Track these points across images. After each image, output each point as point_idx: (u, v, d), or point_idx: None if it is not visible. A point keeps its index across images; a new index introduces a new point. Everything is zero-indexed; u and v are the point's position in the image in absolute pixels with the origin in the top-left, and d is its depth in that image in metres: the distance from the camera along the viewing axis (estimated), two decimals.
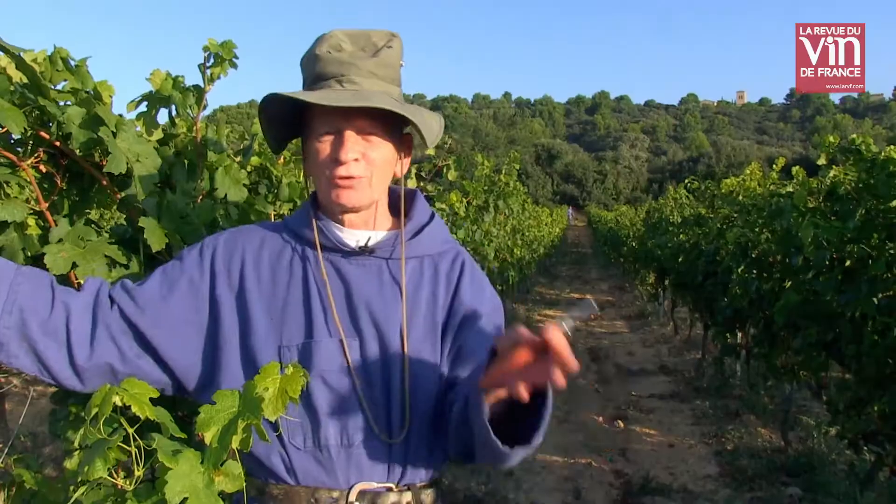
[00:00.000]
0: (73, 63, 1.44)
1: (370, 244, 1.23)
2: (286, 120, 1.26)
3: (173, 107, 1.63)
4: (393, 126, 1.22)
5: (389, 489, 1.18)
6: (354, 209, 1.22)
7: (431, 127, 1.22)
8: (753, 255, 5.00)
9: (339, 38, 1.19)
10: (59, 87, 1.42)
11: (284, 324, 1.19)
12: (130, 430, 0.71)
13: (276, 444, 1.16)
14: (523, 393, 0.97)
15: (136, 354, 1.16)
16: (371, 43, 1.20)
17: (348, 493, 1.15)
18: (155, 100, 1.60)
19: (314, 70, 1.19)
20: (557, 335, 0.93)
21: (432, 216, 1.32)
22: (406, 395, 1.18)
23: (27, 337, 1.07)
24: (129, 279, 1.26)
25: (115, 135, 1.37)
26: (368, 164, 1.18)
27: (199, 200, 1.68)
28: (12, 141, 1.35)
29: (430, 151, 4.45)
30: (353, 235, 1.24)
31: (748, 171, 7.00)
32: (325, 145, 1.18)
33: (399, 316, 1.21)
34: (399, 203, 1.30)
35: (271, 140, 1.29)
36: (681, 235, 8.33)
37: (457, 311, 1.25)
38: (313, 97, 1.13)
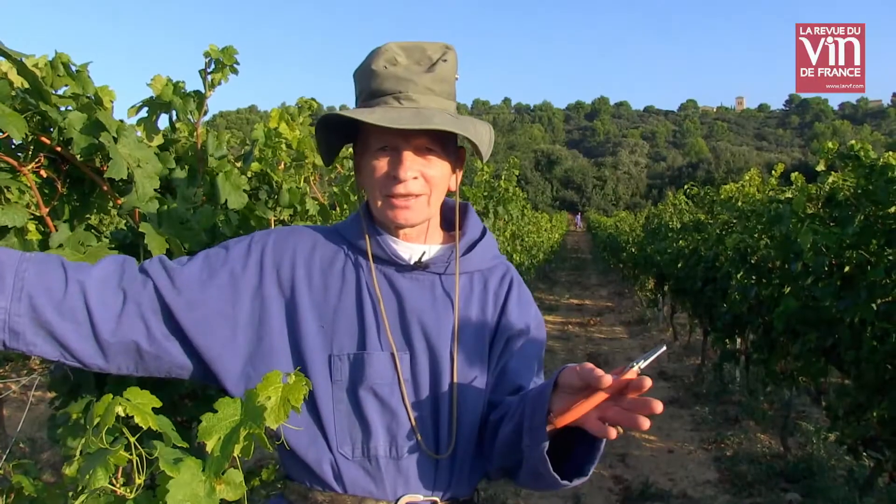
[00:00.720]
0: (74, 68, 1.44)
1: (424, 259, 1.23)
2: (337, 133, 1.26)
3: (174, 112, 1.63)
4: (449, 142, 1.22)
5: (434, 503, 1.18)
6: (411, 227, 1.22)
7: (484, 140, 1.22)
8: (752, 261, 5.00)
9: (394, 51, 1.18)
10: (60, 92, 1.42)
11: (335, 333, 1.18)
12: (132, 439, 0.71)
13: (327, 452, 1.16)
14: (612, 433, 0.98)
15: (164, 336, 1.14)
16: (426, 56, 1.19)
17: None
18: (156, 105, 1.60)
19: (370, 85, 1.18)
20: (645, 380, 0.95)
21: (484, 231, 1.32)
22: (454, 412, 1.18)
23: (42, 322, 1.06)
24: None
25: (115, 140, 1.37)
26: (427, 182, 1.19)
27: (199, 206, 1.68)
28: (13, 146, 1.35)
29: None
30: (407, 249, 1.24)
31: (747, 177, 7.00)
32: (382, 162, 1.18)
33: (450, 331, 1.20)
34: (450, 215, 1.31)
35: (325, 156, 1.29)
36: (680, 241, 8.34)
37: (504, 328, 1.25)
38: (373, 117, 1.11)
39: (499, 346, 1.25)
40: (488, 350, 1.24)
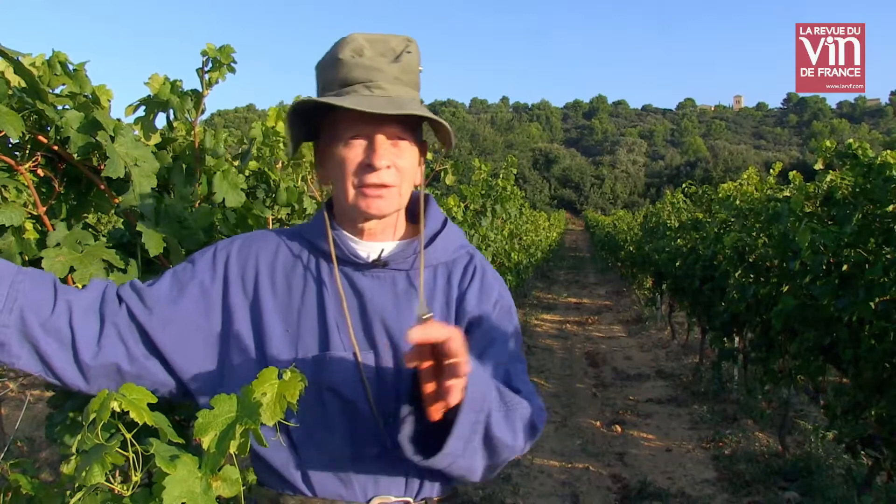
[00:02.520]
0: (71, 67, 1.44)
1: (383, 257, 1.21)
2: (302, 126, 1.23)
3: (171, 111, 1.62)
4: (417, 132, 1.21)
5: (407, 503, 1.17)
6: (382, 217, 1.20)
7: (450, 129, 1.21)
8: (751, 260, 5.00)
9: (360, 42, 1.16)
10: (57, 91, 1.42)
11: (300, 336, 1.18)
12: (128, 436, 0.71)
13: (294, 455, 1.15)
14: (435, 413, 0.98)
15: (144, 355, 1.14)
16: (390, 48, 1.18)
17: None
18: (153, 104, 1.60)
19: (338, 74, 1.15)
20: (426, 331, 0.93)
21: (445, 223, 1.29)
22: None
23: (29, 336, 1.07)
24: None
25: (113, 139, 1.37)
26: (398, 173, 1.17)
27: (196, 205, 1.68)
28: (10, 145, 1.35)
29: (430, 156, 4.46)
30: (366, 247, 1.22)
31: (745, 176, 7.01)
32: (354, 151, 1.15)
33: None
34: (412, 208, 1.28)
35: (295, 143, 1.26)
36: (678, 240, 8.35)
37: (461, 318, 1.23)
38: (349, 102, 1.09)
39: None
40: None
